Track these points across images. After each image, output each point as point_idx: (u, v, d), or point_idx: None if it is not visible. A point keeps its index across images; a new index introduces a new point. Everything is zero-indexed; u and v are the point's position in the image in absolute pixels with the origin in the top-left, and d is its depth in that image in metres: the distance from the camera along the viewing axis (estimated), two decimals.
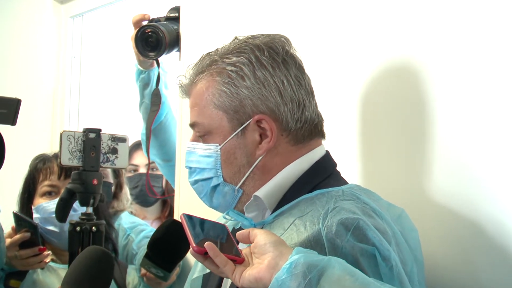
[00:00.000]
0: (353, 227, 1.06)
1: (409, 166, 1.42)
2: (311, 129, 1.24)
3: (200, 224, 1.11)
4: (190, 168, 1.28)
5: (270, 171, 1.23)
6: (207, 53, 1.27)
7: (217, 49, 1.26)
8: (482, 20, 1.29)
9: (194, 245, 1.03)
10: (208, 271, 1.28)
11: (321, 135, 1.28)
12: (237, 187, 1.24)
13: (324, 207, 1.12)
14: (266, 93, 1.20)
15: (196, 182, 1.27)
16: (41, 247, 1.87)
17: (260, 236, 1.03)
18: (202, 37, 1.98)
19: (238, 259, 1.03)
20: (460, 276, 1.31)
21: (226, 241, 1.09)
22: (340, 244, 1.06)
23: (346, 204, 1.11)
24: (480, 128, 1.29)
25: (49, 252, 1.90)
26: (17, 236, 1.86)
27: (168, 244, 1.58)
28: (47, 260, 1.90)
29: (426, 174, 1.37)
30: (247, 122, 1.21)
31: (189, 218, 1.09)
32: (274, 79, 1.20)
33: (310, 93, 1.25)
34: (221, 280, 1.27)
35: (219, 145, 1.23)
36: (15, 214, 1.91)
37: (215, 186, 1.25)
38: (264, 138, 1.21)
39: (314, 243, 1.07)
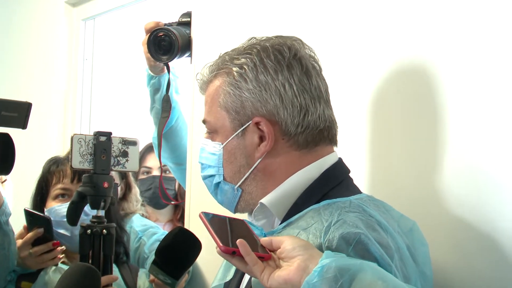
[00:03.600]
0: (354, 242, 1.05)
1: (420, 173, 1.39)
2: (314, 134, 1.23)
3: (220, 221, 1.11)
4: (202, 164, 1.31)
5: (273, 174, 1.23)
6: (224, 52, 1.29)
7: (234, 48, 1.28)
8: (494, 21, 1.28)
9: (221, 244, 1.03)
10: (228, 279, 1.29)
11: (330, 141, 1.27)
12: (236, 186, 1.25)
13: (328, 220, 1.11)
14: (267, 96, 1.21)
15: (204, 178, 1.31)
16: (55, 241, 1.86)
17: (287, 241, 1.03)
18: (213, 42, 1.98)
19: (266, 256, 1.03)
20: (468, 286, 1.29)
21: (249, 237, 1.08)
22: None
23: (350, 216, 1.10)
24: (495, 133, 1.27)
25: (63, 247, 1.89)
26: (30, 234, 1.86)
27: (176, 252, 1.58)
28: (61, 256, 1.89)
29: (438, 181, 1.35)
30: (247, 124, 1.22)
31: (208, 216, 1.09)
32: (275, 82, 1.21)
33: (316, 97, 1.24)
34: (237, 287, 1.27)
35: (222, 144, 1.25)
36: (26, 211, 1.90)
37: (217, 184, 1.27)
38: (263, 140, 1.22)
39: None
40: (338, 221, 1.09)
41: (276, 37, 1.27)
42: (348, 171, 1.28)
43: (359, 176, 1.41)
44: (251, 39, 1.28)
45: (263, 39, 1.27)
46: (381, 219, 1.12)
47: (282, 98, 1.21)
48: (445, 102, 1.35)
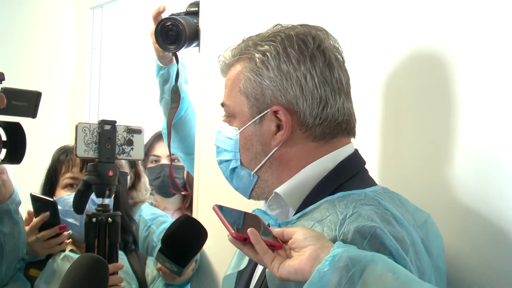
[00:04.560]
0: (369, 235, 1.04)
1: (430, 163, 1.38)
2: (332, 127, 1.23)
3: (233, 213, 1.11)
4: (218, 147, 1.31)
5: (288, 163, 1.23)
6: (248, 37, 1.28)
7: (258, 34, 1.27)
8: (506, 10, 1.25)
9: (233, 231, 1.03)
10: (242, 267, 1.29)
11: (348, 133, 1.26)
12: (252, 172, 1.25)
13: (343, 212, 1.10)
14: (287, 85, 1.20)
15: (220, 162, 1.31)
16: (61, 225, 1.87)
17: (299, 232, 1.03)
18: (221, 31, 1.97)
19: (277, 245, 1.03)
20: (484, 278, 1.27)
21: (261, 227, 1.08)
22: None
23: (365, 209, 1.09)
24: (506, 122, 1.24)
25: (70, 231, 1.90)
26: (37, 219, 1.86)
27: (181, 240, 1.59)
28: (68, 241, 1.90)
29: (448, 172, 1.34)
30: (265, 111, 1.22)
31: (222, 208, 1.10)
32: (297, 73, 1.20)
33: (337, 90, 1.23)
34: (251, 276, 1.27)
35: (239, 129, 1.25)
36: (32, 196, 1.91)
37: (234, 169, 1.28)
38: (281, 129, 1.21)
39: None
40: (353, 214, 1.08)
41: (301, 25, 1.26)
42: (364, 162, 1.27)
43: (369, 167, 1.39)
44: (276, 25, 1.27)
45: (288, 26, 1.26)
46: (396, 213, 1.11)
47: (302, 88, 1.20)
48: (456, 92, 1.33)
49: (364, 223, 1.06)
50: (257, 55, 1.22)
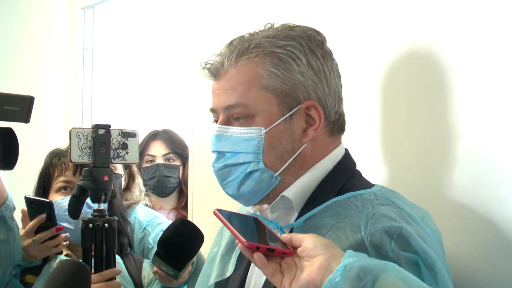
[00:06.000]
0: (396, 235, 1.04)
1: (429, 166, 1.38)
2: (342, 123, 1.24)
3: (236, 218, 1.08)
4: (219, 152, 1.21)
5: (309, 161, 1.20)
6: (240, 37, 1.22)
7: (252, 33, 1.21)
8: (502, 9, 1.25)
9: (244, 240, 0.98)
10: (228, 274, 1.27)
11: (343, 131, 1.26)
12: (276, 174, 1.19)
13: (363, 213, 1.09)
14: (317, 81, 1.18)
15: (224, 167, 1.21)
16: (58, 227, 1.84)
17: (308, 240, 0.99)
18: (210, 40, 1.94)
19: (288, 252, 1.00)
20: (480, 278, 1.27)
21: (269, 233, 1.06)
22: (385, 254, 1.04)
23: (384, 209, 1.09)
24: (506, 127, 1.24)
25: (67, 234, 1.88)
26: (33, 222, 1.84)
27: (178, 244, 1.58)
28: (64, 243, 1.88)
29: (447, 174, 1.34)
30: (297, 108, 1.18)
31: (224, 212, 1.07)
32: (323, 68, 1.19)
33: (341, 86, 1.25)
34: (243, 280, 1.25)
35: (265, 128, 1.17)
36: (27, 199, 1.89)
37: (251, 172, 1.19)
38: (308, 125, 1.19)
39: (358, 251, 1.03)
40: (374, 214, 1.08)
41: (298, 26, 1.22)
42: (355, 163, 1.27)
43: (366, 167, 1.39)
44: (271, 26, 1.23)
45: (287, 25, 1.22)
46: (410, 211, 1.11)
47: (329, 84, 1.20)
48: (452, 91, 1.33)
49: (390, 223, 1.06)
50: (278, 50, 1.17)
